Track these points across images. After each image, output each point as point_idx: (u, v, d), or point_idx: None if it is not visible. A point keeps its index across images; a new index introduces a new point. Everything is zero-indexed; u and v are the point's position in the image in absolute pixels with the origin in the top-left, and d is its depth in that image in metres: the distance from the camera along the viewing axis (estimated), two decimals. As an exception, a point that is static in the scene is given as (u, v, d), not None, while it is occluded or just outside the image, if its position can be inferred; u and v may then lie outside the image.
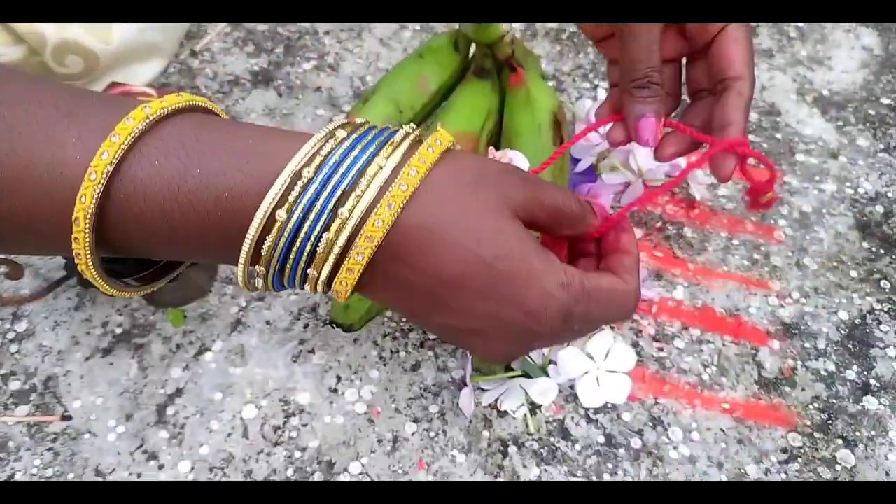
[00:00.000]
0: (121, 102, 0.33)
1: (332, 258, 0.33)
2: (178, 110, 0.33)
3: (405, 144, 0.34)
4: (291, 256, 0.33)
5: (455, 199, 0.34)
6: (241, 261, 0.33)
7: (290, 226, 0.32)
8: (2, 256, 0.53)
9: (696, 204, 0.66)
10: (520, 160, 0.54)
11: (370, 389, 0.55)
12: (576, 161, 0.64)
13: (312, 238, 0.33)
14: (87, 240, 0.32)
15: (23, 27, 0.65)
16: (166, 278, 0.43)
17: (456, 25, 0.63)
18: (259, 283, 0.35)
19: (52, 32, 0.66)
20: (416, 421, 0.54)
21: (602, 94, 0.72)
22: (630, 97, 0.45)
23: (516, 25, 0.82)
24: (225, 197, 0.32)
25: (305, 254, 0.33)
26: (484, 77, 0.60)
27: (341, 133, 0.34)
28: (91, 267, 0.33)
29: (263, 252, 0.33)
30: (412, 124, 0.37)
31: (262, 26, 0.81)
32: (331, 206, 0.32)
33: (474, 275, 0.34)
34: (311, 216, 0.32)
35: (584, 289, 0.36)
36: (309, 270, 0.34)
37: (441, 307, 0.35)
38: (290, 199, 0.32)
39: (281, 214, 0.32)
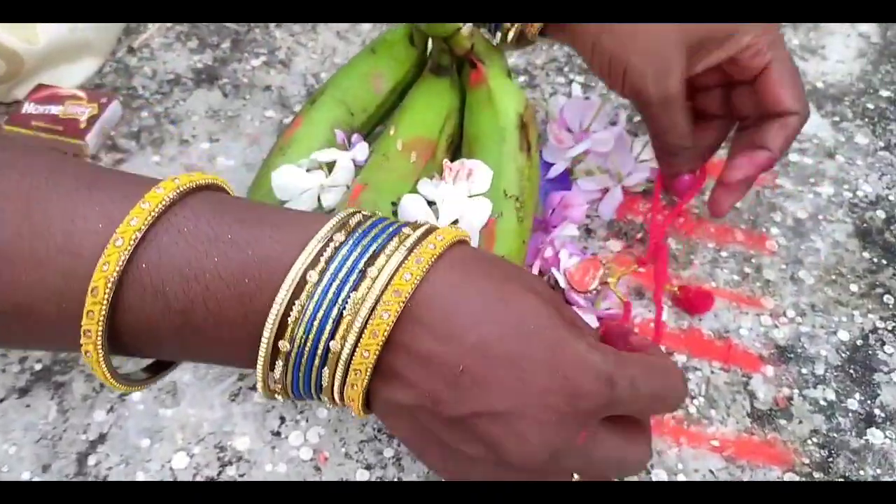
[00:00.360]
0: (142, 178, 0.33)
1: (355, 328, 0.31)
2: (201, 187, 0.33)
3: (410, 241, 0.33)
4: (313, 331, 0.31)
5: (473, 275, 0.33)
6: (266, 334, 0.31)
7: (320, 287, 0.31)
8: None
9: (682, 212, 0.60)
10: (481, 171, 0.48)
11: (317, 431, 0.49)
12: (548, 166, 0.58)
13: (339, 301, 0.31)
14: (102, 314, 0.30)
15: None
16: (171, 368, 0.40)
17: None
18: (279, 373, 0.32)
19: (-34, 31, 0.59)
20: (368, 468, 0.48)
21: (577, 89, 0.66)
22: (663, 162, 0.53)
23: (485, 15, 0.75)
24: (254, 263, 0.31)
25: (330, 322, 0.31)
26: (442, 75, 0.54)
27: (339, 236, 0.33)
28: (99, 349, 0.31)
29: (289, 324, 0.31)
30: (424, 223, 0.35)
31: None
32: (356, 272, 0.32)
33: (501, 337, 0.31)
34: (342, 273, 0.31)
35: (620, 356, 0.33)
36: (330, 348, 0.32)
37: (464, 386, 0.31)
38: (322, 261, 0.31)
39: (312, 276, 0.31)
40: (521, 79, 0.71)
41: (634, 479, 0.47)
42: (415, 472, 0.48)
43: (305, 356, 0.31)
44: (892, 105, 0.68)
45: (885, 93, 0.69)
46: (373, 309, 0.30)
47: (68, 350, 0.32)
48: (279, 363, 0.32)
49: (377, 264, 0.31)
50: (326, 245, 0.31)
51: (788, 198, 0.62)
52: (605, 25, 0.48)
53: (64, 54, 0.67)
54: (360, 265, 0.31)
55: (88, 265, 0.30)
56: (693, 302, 0.54)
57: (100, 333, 0.30)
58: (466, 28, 0.51)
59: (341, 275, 0.31)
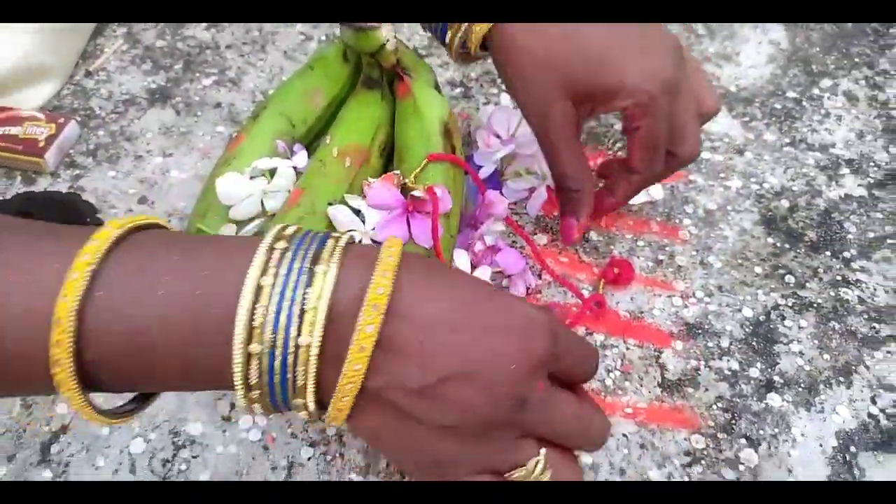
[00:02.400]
0: (84, 227, 0.35)
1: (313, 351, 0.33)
2: (144, 226, 0.36)
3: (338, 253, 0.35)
4: (277, 357, 0.32)
5: (419, 270, 0.36)
6: (237, 339, 0.32)
7: (276, 288, 0.32)
8: None
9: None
10: (445, 197, 0.53)
11: (265, 416, 0.53)
12: (478, 168, 0.63)
13: (298, 298, 0.33)
14: (69, 342, 0.31)
15: None
16: (152, 399, 0.40)
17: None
18: (254, 377, 0.33)
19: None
20: (312, 445, 0.52)
21: (505, 99, 0.71)
22: (560, 200, 0.58)
23: (422, 32, 0.81)
24: (208, 281, 0.33)
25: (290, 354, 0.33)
26: (373, 87, 0.59)
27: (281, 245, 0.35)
28: (71, 377, 0.32)
29: (256, 327, 0.32)
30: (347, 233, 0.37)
31: (160, 42, 0.79)
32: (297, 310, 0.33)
33: (452, 308, 0.34)
34: (283, 317, 0.33)
35: (554, 316, 0.38)
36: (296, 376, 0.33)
37: (426, 357, 0.33)
38: (272, 268, 0.33)
39: (267, 280, 0.33)
40: (457, 90, 0.76)
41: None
42: (355, 446, 0.52)
43: (278, 355, 0.32)
44: (798, 105, 0.74)
45: (791, 94, 0.75)
46: (331, 306, 0.33)
47: (45, 392, 0.34)
48: (254, 367, 0.33)
49: (322, 263, 0.33)
50: (271, 254, 0.33)
51: (700, 191, 0.67)
52: (512, 51, 0.53)
53: (23, 77, 0.71)
54: (307, 265, 0.34)
55: (49, 304, 0.31)
56: (621, 274, 0.59)
57: (70, 363, 0.31)
58: (391, 43, 0.56)
59: (293, 276, 0.33)
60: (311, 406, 0.34)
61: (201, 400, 0.54)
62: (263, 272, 0.33)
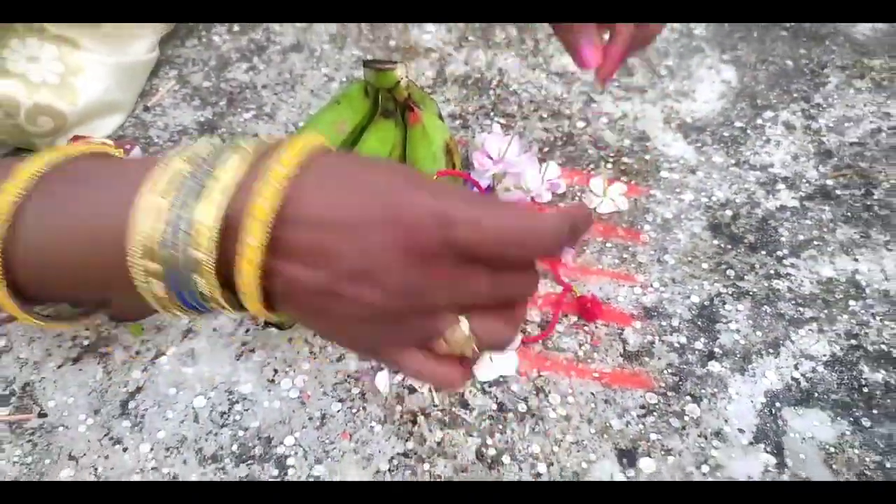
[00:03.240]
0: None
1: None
2: (85, 153, 0.40)
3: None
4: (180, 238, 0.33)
5: (330, 168, 0.36)
6: (135, 257, 0.34)
7: (174, 208, 0.33)
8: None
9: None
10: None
11: (302, 378, 0.66)
12: (475, 184, 0.76)
13: (191, 215, 0.33)
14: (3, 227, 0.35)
15: (-4, 93, 0.76)
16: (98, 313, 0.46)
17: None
18: (160, 289, 0.35)
19: (24, 97, 0.78)
20: (340, 401, 0.65)
21: (497, 128, 0.85)
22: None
23: (428, 73, 0.95)
24: (108, 202, 0.36)
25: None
26: (389, 117, 0.73)
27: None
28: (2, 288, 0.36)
29: (154, 245, 0.33)
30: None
31: (206, 83, 0.93)
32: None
33: (338, 206, 0.34)
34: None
35: (470, 202, 0.35)
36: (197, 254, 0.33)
37: (316, 257, 0.34)
38: (172, 188, 0.34)
39: (163, 203, 0.33)
40: (457, 121, 0.90)
41: (523, 434, 0.64)
42: (376, 403, 0.65)
43: (179, 270, 0.33)
44: (743, 133, 0.88)
45: (738, 123, 0.89)
46: (226, 215, 0.33)
47: None
48: (157, 283, 0.34)
49: (217, 174, 0.34)
50: (173, 173, 0.34)
51: (659, 203, 0.81)
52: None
53: (96, 112, 0.85)
54: (202, 181, 0.33)
55: None
56: (591, 310, 0.71)
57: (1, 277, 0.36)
58: (404, 81, 0.70)
59: (189, 193, 0.33)
60: (228, 308, 0.36)
61: (250, 367, 0.67)
62: (164, 193, 0.33)
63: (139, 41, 0.88)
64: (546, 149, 0.87)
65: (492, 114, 0.91)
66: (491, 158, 0.79)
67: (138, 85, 0.91)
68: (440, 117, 0.75)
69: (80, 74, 0.82)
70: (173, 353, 0.68)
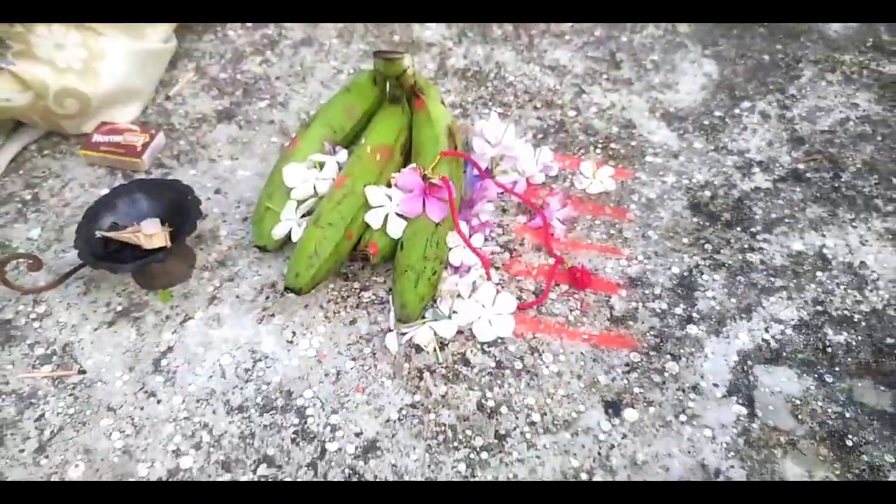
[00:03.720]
0: None
1: None
2: None
3: None
4: None
5: None
6: None
7: None
8: (23, 252, 0.70)
9: (570, 196, 0.86)
10: (452, 186, 0.73)
11: (318, 340, 0.73)
12: (475, 164, 0.83)
13: None
14: None
15: (28, 76, 0.83)
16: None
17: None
18: None
19: (53, 80, 0.84)
20: (353, 359, 0.71)
21: (494, 116, 0.92)
22: None
23: (430, 66, 1.02)
24: None
25: None
26: (396, 103, 0.79)
27: None
28: None
29: None
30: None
31: (223, 74, 1.00)
32: None
33: None
34: None
35: None
36: None
37: None
38: None
39: None
40: (457, 111, 0.97)
41: (519, 389, 0.71)
42: (386, 361, 0.71)
43: None
44: (722, 121, 0.95)
45: (717, 113, 0.96)
46: None
47: None
48: None
49: None
50: None
51: (644, 185, 0.88)
52: None
53: (119, 97, 0.91)
54: None
55: None
56: (581, 279, 0.78)
57: None
58: (411, 70, 0.77)
59: None
60: None
61: (271, 330, 0.74)
62: None
63: (154, 29, 0.95)
64: (540, 135, 0.93)
65: (490, 103, 0.98)
66: (489, 143, 0.86)
67: (157, 72, 0.97)
68: (442, 103, 0.81)
69: (102, 60, 0.88)
70: (200, 317, 0.74)
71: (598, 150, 0.91)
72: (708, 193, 0.87)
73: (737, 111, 0.97)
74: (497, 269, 0.79)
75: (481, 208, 0.79)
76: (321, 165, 0.77)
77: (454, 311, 0.73)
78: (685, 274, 0.79)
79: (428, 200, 0.74)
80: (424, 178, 0.75)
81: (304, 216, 0.77)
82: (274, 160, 0.88)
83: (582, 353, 0.72)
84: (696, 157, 0.91)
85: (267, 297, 0.76)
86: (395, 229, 0.74)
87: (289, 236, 0.76)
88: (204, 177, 0.88)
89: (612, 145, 0.92)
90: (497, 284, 0.77)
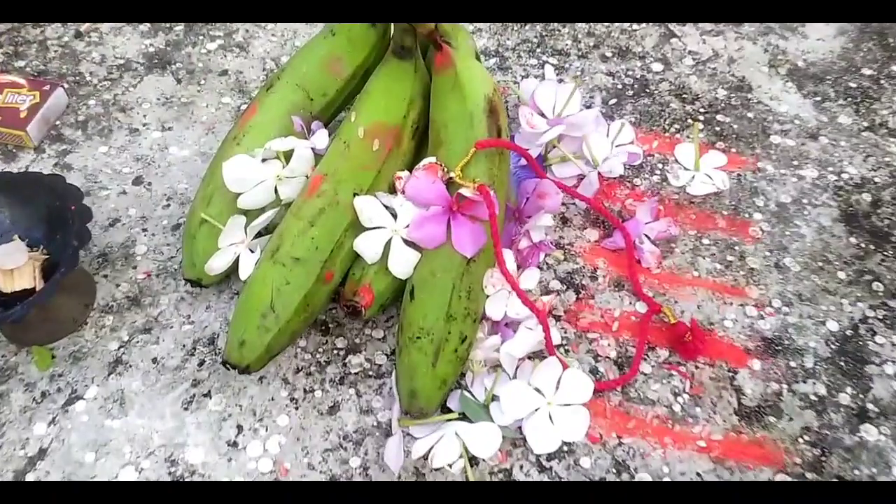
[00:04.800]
0: None
1: None
2: None
3: None
4: None
5: None
6: None
7: None
8: None
9: (663, 198, 0.57)
10: (495, 200, 0.45)
11: (278, 440, 0.46)
12: (524, 154, 0.54)
13: None
14: None
15: None
16: None
17: None
18: None
19: None
20: (332, 477, 0.45)
21: (550, 72, 0.62)
22: None
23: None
24: None
25: None
26: (405, 57, 0.50)
27: None
28: None
29: None
30: None
31: None
32: None
33: None
34: None
35: None
36: None
37: None
38: None
39: None
40: (492, 61, 0.67)
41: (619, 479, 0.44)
42: (385, 476, 0.44)
43: None
44: (875, 84, 0.66)
45: (867, 71, 0.67)
46: None
47: None
48: None
49: None
50: None
51: (771, 181, 0.59)
52: None
53: None
54: None
55: None
56: (691, 343, 0.50)
57: None
58: None
59: None
60: None
61: (203, 421, 0.47)
62: None
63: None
64: (612, 100, 0.64)
65: (538, 50, 0.68)
66: (543, 116, 0.57)
67: None
68: (477, 57, 0.52)
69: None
70: (94, 395, 0.48)
71: (701, 126, 0.62)
72: (867, 198, 0.58)
73: (894, 68, 0.67)
74: (557, 318, 0.51)
75: (535, 224, 0.51)
76: (286, 156, 0.49)
77: (493, 397, 0.46)
78: (848, 333, 0.51)
79: (456, 222, 0.46)
80: (450, 183, 0.46)
81: (258, 237, 0.49)
82: (225, 133, 0.59)
83: (699, 475, 0.45)
84: (843, 139, 0.62)
85: (201, 363, 0.49)
86: (403, 266, 0.46)
87: (235, 266, 0.48)
88: (120, 157, 0.59)
89: (720, 117, 0.63)
90: (559, 348, 0.50)
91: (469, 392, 0.47)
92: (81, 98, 0.63)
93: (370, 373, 0.49)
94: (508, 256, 0.48)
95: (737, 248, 0.55)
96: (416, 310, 0.45)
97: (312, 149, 0.50)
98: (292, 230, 0.46)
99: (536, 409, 0.45)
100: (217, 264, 0.47)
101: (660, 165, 0.60)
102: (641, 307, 0.52)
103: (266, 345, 0.44)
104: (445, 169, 0.46)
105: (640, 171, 0.59)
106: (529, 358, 0.48)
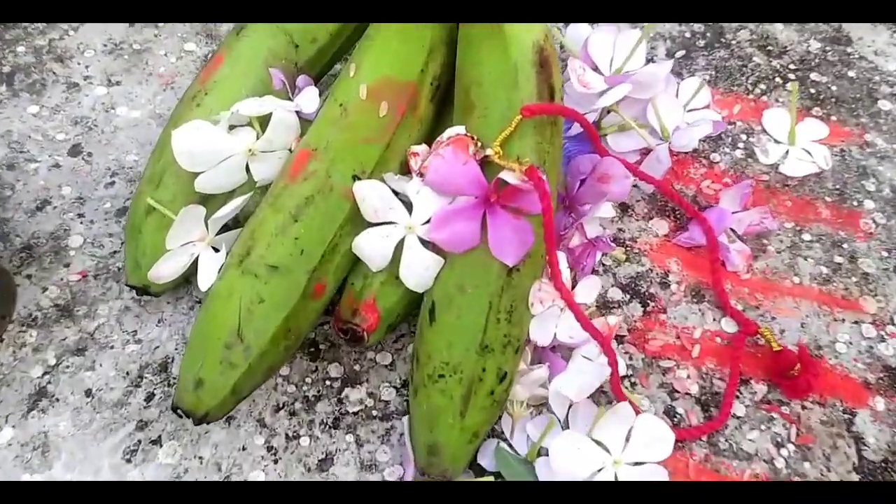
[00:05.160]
0: None
1: None
2: None
3: None
4: None
5: None
6: None
7: None
8: None
9: (753, 178, 0.45)
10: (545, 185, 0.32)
11: None
12: (580, 120, 0.42)
13: None
14: None
15: None
16: None
17: None
18: None
19: None
20: None
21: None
22: None
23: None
24: None
25: None
26: (424, -12, 0.37)
27: None
28: None
29: None
30: None
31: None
32: None
33: None
34: None
35: None
36: None
37: None
38: None
39: None
40: None
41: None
42: None
43: None
44: None
45: None
46: None
47: None
48: None
49: None
50: None
51: (882, 159, 0.46)
52: None
53: None
54: None
55: None
56: (799, 376, 0.38)
57: None
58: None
59: None
60: None
61: (152, 477, 0.35)
62: None
63: None
64: (679, 53, 0.51)
65: (582, -11, 0.55)
66: (599, 72, 0.44)
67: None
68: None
69: None
70: (8, 440, 0.36)
71: (789, 88, 0.49)
72: None
73: None
74: (619, 339, 0.39)
75: (592, 216, 0.39)
76: (261, 124, 0.36)
77: (542, 450, 0.34)
78: None
79: (494, 217, 0.33)
80: (486, 164, 0.34)
81: (224, 231, 0.37)
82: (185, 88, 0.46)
83: (815, 560, 0.33)
84: (971, 105, 0.49)
85: (149, 398, 0.37)
86: (419, 276, 0.34)
87: (194, 268, 0.36)
88: (54, 119, 0.47)
89: (815, 76, 0.50)
90: (624, 380, 0.38)
91: (507, 444, 0.35)
92: (7, 44, 0.50)
93: (374, 413, 0.37)
94: (562, 261, 0.36)
95: (845, 245, 0.43)
96: (439, 337, 0.33)
97: (297, 113, 0.37)
98: (268, 226, 0.33)
99: (599, 470, 0.33)
100: (165, 271, 0.35)
101: (743, 137, 0.47)
102: (728, 325, 0.40)
103: (231, 386, 0.32)
104: (479, 144, 0.34)
105: (719, 144, 0.47)
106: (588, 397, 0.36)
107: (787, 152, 0.46)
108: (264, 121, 0.36)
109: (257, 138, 0.36)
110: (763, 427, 0.37)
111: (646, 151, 0.44)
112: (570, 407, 0.36)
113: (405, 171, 0.36)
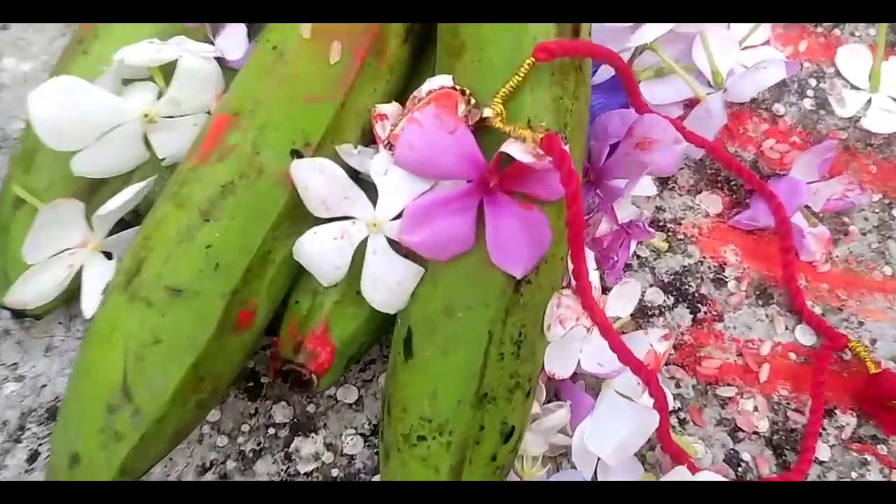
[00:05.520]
0: None
1: None
2: None
3: None
4: None
5: None
6: None
7: None
8: None
9: (828, 135, 0.35)
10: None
11: None
12: (615, 61, 0.31)
13: None
14: None
15: None
16: None
17: None
18: None
19: None
20: None
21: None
22: None
23: None
24: None
25: None
26: None
27: None
28: None
29: None
30: None
31: None
32: None
33: None
34: None
35: None
36: None
37: None
38: None
39: None
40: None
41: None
42: None
43: None
44: None
45: None
46: None
47: None
48: None
49: None
50: None
51: None
52: None
53: None
54: None
55: None
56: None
57: None
58: None
59: None
60: None
61: None
62: None
63: None
64: (720, -25, 0.40)
65: None
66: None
67: None
68: None
69: None
70: None
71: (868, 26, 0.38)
72: None
73: None
74: (668, 361, 0.30)
75: (630, 194, 0.29)
76: (165, 77, 0.25)
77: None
78: None
79: (494, 208, 0.23)
80: (483, 130, 0.23)
81: (119, 230, 0.27)
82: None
83: None
84: None
85: (32, 456, 0.28)
86: (388, 292, 0.24)
87: (75, 287, 0.26)
88: (-83, 76, 0.36)
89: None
90: (672, 415, 0.28)
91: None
92: None
93: (334, 472, 0.27)
94: (589, 261, 0.26)
95: (950, 226, 0.33)
96: (419, 380, 0.23)
97: (218, 60, 0.27)
98: (168, 230, 0.23)
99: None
100: (32, 293, 0.25)
101: (812, 82, 0.36)
102: (804, 335, 0.30)
103: (119, 464, 0.22)
104: (473, 101, 0.23)
105: (783, 92, 0.36)
106: (624, 448, 0.26)
107: (869, 101, 0.35)
108: (169, 71, 0.26)
109: (158, 97, 0.25)
110: (855, 474, 0.28)
111: (690, 103, 0.34)
112: (598, 460, 0.26)
113: (367, 142, 0.25)
